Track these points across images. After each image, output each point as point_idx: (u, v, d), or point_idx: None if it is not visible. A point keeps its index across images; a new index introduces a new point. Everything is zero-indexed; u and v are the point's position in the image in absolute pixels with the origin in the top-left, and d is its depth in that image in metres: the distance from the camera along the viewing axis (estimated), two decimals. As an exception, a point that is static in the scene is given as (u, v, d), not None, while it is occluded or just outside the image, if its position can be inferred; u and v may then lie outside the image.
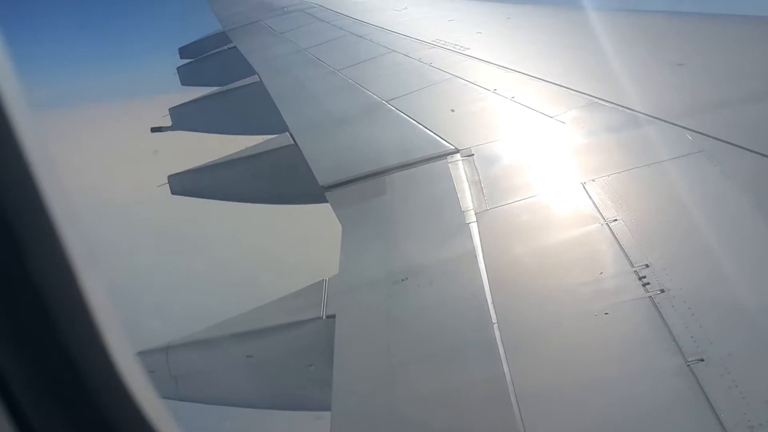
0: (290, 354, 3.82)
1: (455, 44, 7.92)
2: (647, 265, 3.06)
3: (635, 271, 3.05)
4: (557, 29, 8.76)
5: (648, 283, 2.95)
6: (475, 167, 4.62)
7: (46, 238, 1.17)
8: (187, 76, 12.26)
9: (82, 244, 1.21)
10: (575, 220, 3.67)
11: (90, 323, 1.24)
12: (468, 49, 7.61)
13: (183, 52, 13.84)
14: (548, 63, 6.64)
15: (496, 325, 3.03)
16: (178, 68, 12.61)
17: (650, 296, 2.87)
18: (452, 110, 5.88)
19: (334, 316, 3.57)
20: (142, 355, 3.89)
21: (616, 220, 3.48)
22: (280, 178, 6.30)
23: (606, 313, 2.89)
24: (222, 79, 10.12)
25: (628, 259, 3.15)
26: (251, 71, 9.48)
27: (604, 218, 3.53)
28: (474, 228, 3.88)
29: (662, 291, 2.87)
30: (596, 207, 3.67)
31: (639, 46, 6.46)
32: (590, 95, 5.25)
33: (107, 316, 1.27)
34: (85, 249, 1.22)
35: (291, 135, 6.34)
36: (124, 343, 1.32)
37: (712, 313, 2.73)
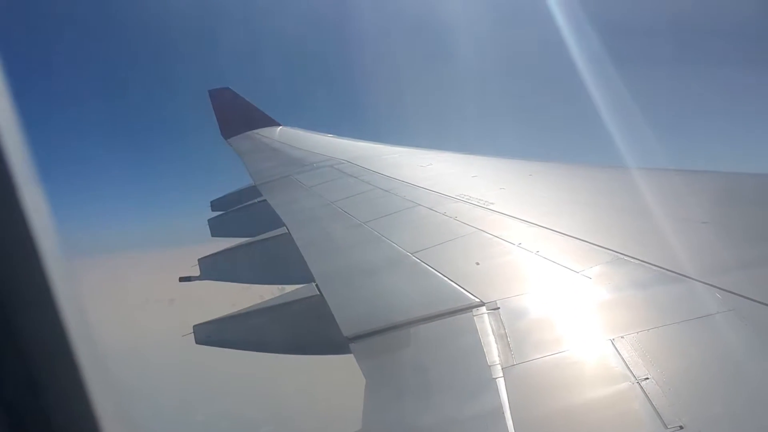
0: None
1: (479, 199, 8.08)
2: (681, 427, 2.95)
3: None
4: (580, 186, 8.94)
5: None
6: (501, 321, 4.58)
7: (71, 387, 1.17)
8: (217, 228, 12.53)
9: (111, 396, 1.20)
10: (605, 378, 3.58)
11: None
12: (492, 203, 7.75)
13: (214, 204, 14.23)
14: (572, 218, 6.72)
15: (525, 488, 2.90)
16: (209, 220, 12.95)
17: None
18: (477, 263, 5.91)
19: None
20: None
21: (647, 378, 3.39)
22: (304, 329, 6.27)
23: None
24: (251, 231, 10.32)
25: (661, 419, 3.04)
26: (280, 223, 9.68)
27: (634, 376, 3.44)
28: (501, 383, 3.79)
29: None
30: (626, 364, 3.59)
31: (662, 204, 6.55)
32: (615, 251, 5.27)
33: None
34: (114, 399, 1.21)
35: (316, 285, 6.36)
36: None
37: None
